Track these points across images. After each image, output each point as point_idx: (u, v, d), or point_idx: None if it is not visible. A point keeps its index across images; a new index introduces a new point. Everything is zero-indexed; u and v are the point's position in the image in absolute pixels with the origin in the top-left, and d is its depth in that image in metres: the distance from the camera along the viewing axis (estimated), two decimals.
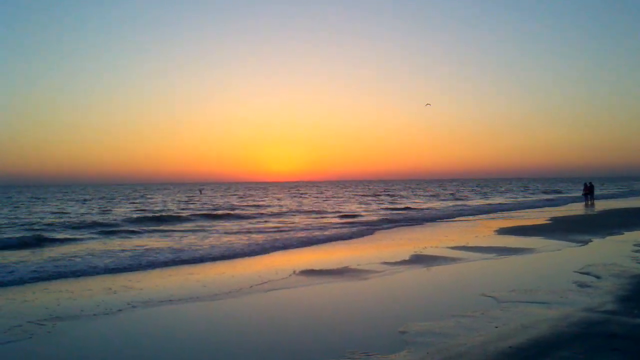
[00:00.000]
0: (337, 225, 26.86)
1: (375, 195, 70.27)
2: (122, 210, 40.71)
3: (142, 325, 8.01)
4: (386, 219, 31.07)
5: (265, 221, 30.08)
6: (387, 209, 41.69)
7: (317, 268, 13.07)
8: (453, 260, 14.18)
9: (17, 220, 30.15)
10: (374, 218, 31.77)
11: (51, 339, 7.17)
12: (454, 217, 32.64)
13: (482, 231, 22.59)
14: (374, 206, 45.27)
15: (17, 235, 21.27)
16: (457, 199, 56.77)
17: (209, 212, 37.75)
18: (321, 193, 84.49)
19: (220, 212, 37.55)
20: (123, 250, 16.76)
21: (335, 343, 6.78)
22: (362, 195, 70.93)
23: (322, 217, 32.99)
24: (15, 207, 46.71)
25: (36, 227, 25.44)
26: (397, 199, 58.36)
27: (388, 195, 71.46)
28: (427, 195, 68.73)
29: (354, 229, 24.59)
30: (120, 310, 8.80)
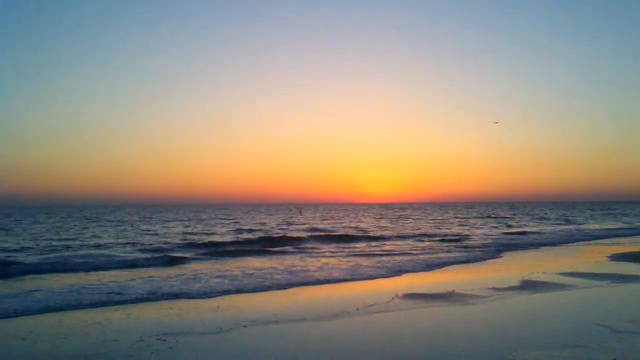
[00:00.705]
0: (445, 249, 26.57)
1: (479, 218, 68.55)
2: (224, 230, 42.36)
3: (252, 344, 8.44)
4: (498, 242, 30.43)
5: (367, 244, 30.08)
6: (496, 231, 40.70)
7: (422, 292, 13.14)
8: (564, 286, 13.75)
9: (151, 240, 32.08)
10: (483, 242, 31.17)
11: (172, 354, 7.74)
12: (565, 242, 31.31)
13: (594, 257, 21.63)
14: (482, 229, 44.13)
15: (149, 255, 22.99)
16: (568, 223, 54.22)
17: (311, 233, 38.21)
18: (425, 215, 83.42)
19: (321, 233, 37.87)
20: (228, 272, 17.56)
21: None
22: (464, 218, 69.39)
23: (428, 240, 32.78)
24: (138, 229, 49.57)
25: (165, 246, 27.28)
26: (505, 221, 56.63)
27: (490, 217, 69.48)
28: (535, 218, 66.11)
29: (463, 253, 24.34)
30: (231, 329, 9.32)
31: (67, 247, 26.91)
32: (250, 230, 42.50)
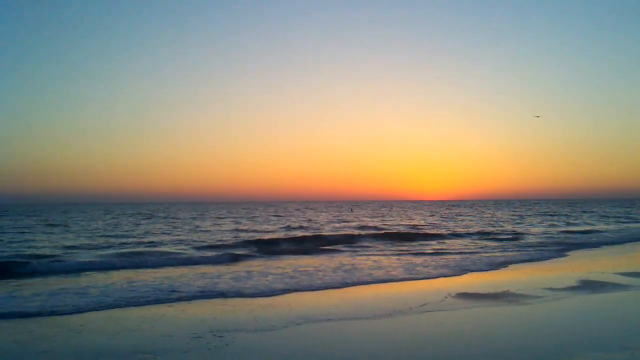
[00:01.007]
0: (502, 248, 26.21)
1: (536, 215, 67.09)
2: (275, 228, 42.79)
3: (306, 342, 8.67)
4: (557, 241, 29.82)
5: (421, 243, 29.79)
6: (555, 229, 39.77)
7: (476, 291, 13.12)
8: (623, 287, 13.47)
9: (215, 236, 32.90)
10: (542, 240, 30.57)
11: (228, 351, 8.02)
12: (627, 241, 30.35)
13: None
14: (539, 227, 43.13)
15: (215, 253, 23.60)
16: (630, 221, 52.45)
17: (364, 231, 37.86)
18: (477, 212, 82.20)
19: (375, 231, 37.51)
20: (278, 270, 17.89)
21: None
22: (519, 215, 68.00)
23: (484, 238, 32.43)
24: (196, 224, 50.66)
25: (218, 244, 27.97)
26: (563, 219, 55.27)
27: (550, 215, 67.85)
28: (594, 215, 64.21)
29: (522, 252, 24.02)
30: (285, 326, 9.56)
31: (123, 244, 27.89)
32: (301, 228, 42.81)
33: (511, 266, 19.29)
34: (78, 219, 60.04)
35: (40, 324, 9.94)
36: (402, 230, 39.55)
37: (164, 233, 37.63)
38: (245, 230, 39.79)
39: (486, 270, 18.10)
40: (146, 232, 37.68)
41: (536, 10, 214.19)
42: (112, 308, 11.48)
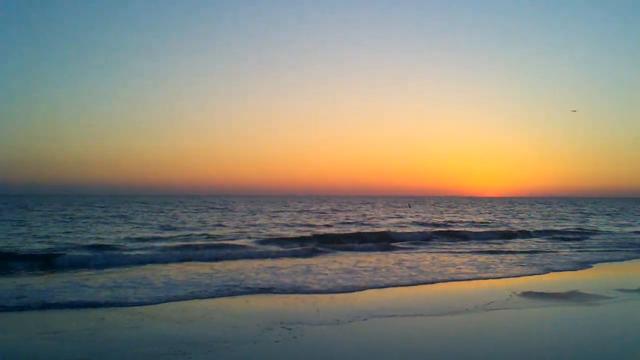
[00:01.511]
0: (574, 247, 25.66)
1: (602, 214, 65.05)
2: (333, 223, 42.94)
3: (371, 336, 8.85)
4: (633, 242, 28.83)
5: (490, 241, 29.11)
6: (631, 229, 38.54)
7: (541, 290, 13.02)
8: None
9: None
10: (617, 240, 29.73)
11: (296, 343, 8.30)
12: None
13: None
14: (611, 226, 41.71)
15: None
16: None
17: (430, 228, 37.27)
18: (536, 209, 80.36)
19: (441, 228, 36.83)
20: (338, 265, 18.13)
21: None
22: (583, 213, 66.07)
23: (551, 236, 31.92)
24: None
25: (277, 238, 28.48)
26: (634, 218, 53.42)
27: (611, 214, 65.60)
28: None
29: (596, 252, 23.46)
30: (350, 321, 9.78)
31: (187, 237, 28.73)
32: (359, 223, 42.87)
33: (586, 266, 18.88)
34: (138, 210, 61.87)
35: (110, 314, 10.44)
36: (467, 227, 39.16)
37: (220, 225, 38.55)
38: (305, 225, 40.20)
39: (560, 270, 17.74)
40: (206, 225, 38.64)
41: (571, 2, 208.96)
42: (179, 300, 11.87)
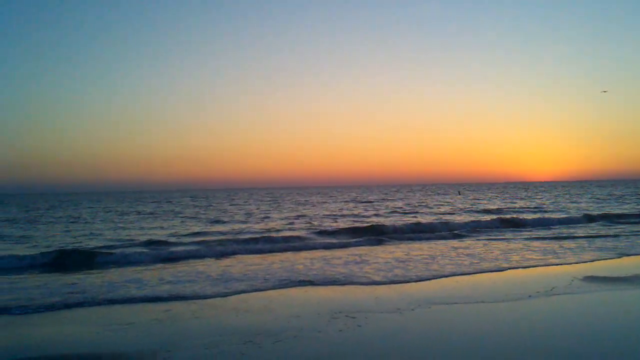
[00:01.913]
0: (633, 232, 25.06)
1: None
2: (384, 212, 43.00)
3: (434, 322, 9.02)
4: None
5: (546, 227, 28.83)
6: None
7: (604, 275, 12.95)
8: None
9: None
10: None
11: (361, 331, 8.49)
12: None
13: None
14: None
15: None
16: None
17: (488, 216, 36.37)
18: (592, 193, 78.39)
19: (494, 216, 35.47)
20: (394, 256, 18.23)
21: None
22: None
23: (622, 222, 31.08)
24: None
25: (329, 229, 28.65)
26: None
27: None
28: None
29: None
30: (412, 309, 9.93)
31: (240, 230, 29.22)
32: (412, 213, 42.64)
33: None
34: (188, 204, 63.05)
35: (174, 306, 10.81)
36: (523, 213, 38.57)
37: (267, 217, 39.05)
38: (355, 215, 40.36)
39: (631, 255, 17.44)
40: (254, 216, 39.22)
41: None
42: (239, 293, 12.15)
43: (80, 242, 24.21)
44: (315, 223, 33.69)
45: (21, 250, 21.25)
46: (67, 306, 10.96)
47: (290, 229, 29.69)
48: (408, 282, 13.15)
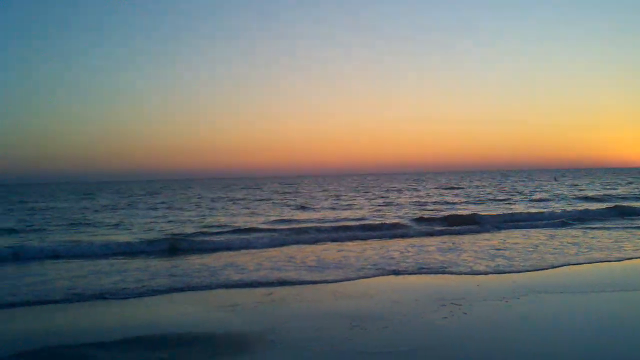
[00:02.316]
0: None
1: None
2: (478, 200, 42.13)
3: (545, 312, 8.89)
4: None
5: None
6: None
7: None
8: None
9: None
10: None
11: (468, 319, 8.47)
12: None
13: None
14: None
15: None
16: None
17: (585, 204, 35.04)
18: None
19: (600, 205, 33.51)
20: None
21: None
22: None
23: None
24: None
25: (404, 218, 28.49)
26: None
27: None
28: None
29: None
30: (517, 297, 9.79)
31: (325, 218, 29.47)
32: (505, 200, 41.32)
33: None
34: (270, 191, 64.16)
35: (275, 291, 11.12)
36: (633, 202, 36.17)
37: (353, 205, 39.13)
38: (450, 202, 39.71)
39: None
40: (340, 203, 39.38)
41: None
42: (338, 280, 12.22)
43: (178, 228, 25.22)
44: (407, 210, 33.51)
45: (124, 236, 22.33)
46: (174, 289, 11.49)
47: (381, 216, 29.72)
48: (511, 271, 12.87)
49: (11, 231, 24.80)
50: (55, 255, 17.00)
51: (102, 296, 10.82)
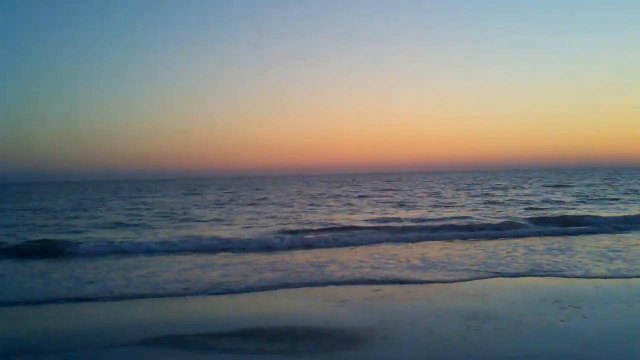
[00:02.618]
0: None
1: None
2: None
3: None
4: None
5: None
6: None
7: None
8: None
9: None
10: None
11: (587, 322, 8.18)
12: None
13: None
14: None
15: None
16: None
17: None
18: None
19: None
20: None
21: None
22: None
23: None
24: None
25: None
26: None
27: None
28: None
29: None
30: None
31: (438, 217, 29.18)
32: (620, 200, 38.93)
33: None
34: (368, 188, 64.03)
35: (381, 288, 11.17)
36: None
37: (453, 202, 38.28)
38: (560, 202, 38.04)
39: None
40: (440, 200, 38.76)
41: None
42: (442, 280, 12.15)
43: (281, 225, 25.81)
44: (514, 209, 32.51)
45: (226, 232, 23.14)
46: (282, 285, 11.79)
47: (485, 215, 29.06)
48: (633, 275, 12.23)
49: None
50: (151, 250, 18.03)
51: (213, 290, 11.28)
